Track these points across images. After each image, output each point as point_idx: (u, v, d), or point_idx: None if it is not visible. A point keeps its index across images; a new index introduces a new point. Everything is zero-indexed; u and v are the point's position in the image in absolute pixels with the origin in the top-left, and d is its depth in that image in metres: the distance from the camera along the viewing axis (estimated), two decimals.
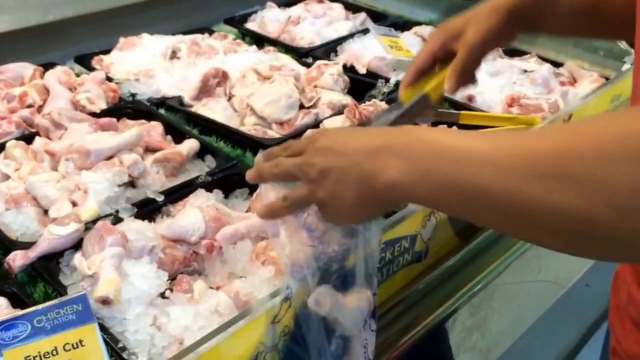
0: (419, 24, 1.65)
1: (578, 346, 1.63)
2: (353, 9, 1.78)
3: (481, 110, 1.27)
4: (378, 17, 1.74)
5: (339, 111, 1.26)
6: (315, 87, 1.34)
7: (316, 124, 1.23)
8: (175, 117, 1.28)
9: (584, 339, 1.63)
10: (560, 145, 0.50)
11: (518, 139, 0.54)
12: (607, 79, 1.35)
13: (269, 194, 0.74)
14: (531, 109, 1.23)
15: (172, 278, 0.89)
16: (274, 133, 1.24)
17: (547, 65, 1.40)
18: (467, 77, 0.86)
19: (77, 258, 0.86)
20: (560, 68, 1.42)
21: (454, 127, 1.16)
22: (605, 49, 1.44)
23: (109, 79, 1.35)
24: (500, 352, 1.18)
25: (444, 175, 0.56)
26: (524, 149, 0.52)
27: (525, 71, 1.39)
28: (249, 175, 0.74)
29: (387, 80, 1.35)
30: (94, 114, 1.20)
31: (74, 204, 0.96)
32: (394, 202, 0.69)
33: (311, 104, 1.30)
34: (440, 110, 1.21)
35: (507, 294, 1.13)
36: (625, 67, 1.35)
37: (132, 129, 1.11)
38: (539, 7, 0.86)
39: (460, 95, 1.33)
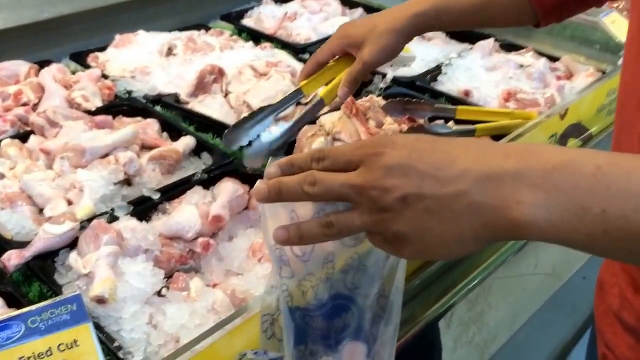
0: None
1: (575, 339, 1.63)
2: (350, 5, 1.78)
3: (478, 106, 1.27)
4: (375, 12, 1.74)
5: (336, 107, 1.25)
6: None
7: (313, 121, 1.22)
8: (172, 115, 1.27)
9: (580, 332, 1.64)
10: None
11: None
12: (603, 72, 1.35)
13: (280, 215, 0.57)
14: (528, 103, 1.23)
15: (169, 276, 0.89)
16: None
17: (544, 60, 1.39)
18: (357, 85, 0.95)
19: (73, 257, 0.86)
20: (557, 62, 1.41)
21: (452, 122, 1.16)
22: (602, 43, 1.43)
23: (105, 77, 1.35)
24: (498, 346, 1.18)
25: (603, 214, 0.45)
26: None
27: (522, 66, 1.39)
28: (261, 194, 0.55)
29: (384, 76, 1.35)
30: (89, 112, 1.20)
31: (70, 203, 0.96)
32: (516, 239, 0.54)
33: (308, 100, 1.30)
34: (437, 105, 1.21)
35: (504, 288, 1.13)
36: (621, 61, 1.34)
37: (128, 127, 1.10)
38: (431, 24, 0.96)
39: (457, 91, 1.33)
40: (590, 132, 1.27)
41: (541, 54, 1.43)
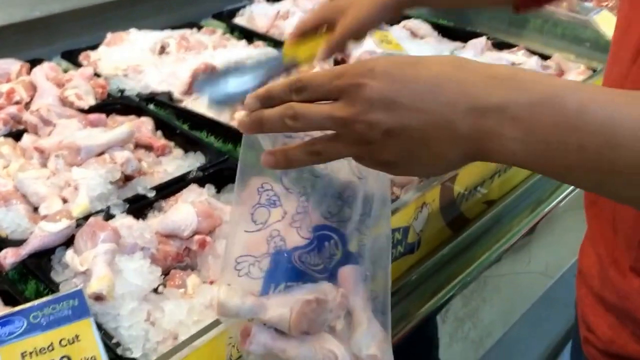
0: (408, 17, 1.66)
1: (567, 335, 1.64)
2: None
3: None
4: None
5: None
6: None
7: None
8: (165, 113, 1.27)
9: (573, 328, 1.65)
10: None
11: None
12: (594, 70, 1.36)
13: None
14: None
15: (165, 274, 0.88)
16: None
17: (535, 58, 1.41)
18: (335, 49, 0.91)
19: (69, 255, 0.85)
20: (548, 60, 1.43)
21: None
22: (592, 40, 1.45)
23: (97, 75, 1.34)
24: (492, 341, 1.19)
25: (580, 149, 0.47)
26: None
27: (514, 64, 1.40)
28: (243, 124, 0.57)
29: None
30: (82, 110, 1.19)
31: (65, 201, 0.96)
32: (496, 162, 0.54)
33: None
34: None
35: (498, 285, 1.14)
36: None
37: (124, 126, 1.10)
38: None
39: None
40: None
41: (532, 52, 1.44)
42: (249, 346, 0.63)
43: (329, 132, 0.55)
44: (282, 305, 0.62)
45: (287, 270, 0.65)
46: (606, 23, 1.44)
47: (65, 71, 1.35)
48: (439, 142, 0.51)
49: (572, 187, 1.21)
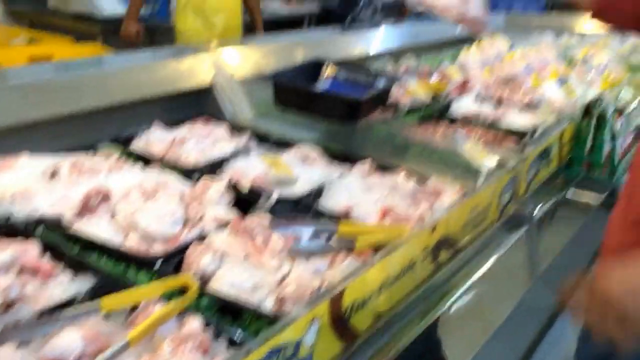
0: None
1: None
2: (237, 129, 1.88)
3: (357, 222, 1.36)
4: (261, 137, 1.85)
5: (224, 225, 1.29)
6: (200, 203, 1.38)
7: (201, 238, 1.25)
8: (54, 236, 1.24)
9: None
10: None
11: None
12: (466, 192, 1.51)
13: None
14: (401, 219, 1.35)
15: None
16: (159, 248, 1.24)
17: (415, 180, 1.54)
18: None
19: None
20: (426, 182, 1.57)
21: (334, 237, 1.24)
22: (463, 166, 1.62)
23: None
24: None
25: None
26: None
27: (396, 185, 1.53)
28: None
29: (270, 195, 1.42)
30: None
31: None
32: None
33: (196, 219, 1.33)
34: (320, 222, 1.29)
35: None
36: (480, 181, 1.52)
37: (6, 251, 1.07)
38: None
39: (338, 209, 1.42)
40: (460, 244, 1.41)
41: (412, 175, 1.58)
42: None
43: None
44: None
45: None
46: (473, 152, 1.63)
47: None
48: None
49: (460, 294, 1.29)
